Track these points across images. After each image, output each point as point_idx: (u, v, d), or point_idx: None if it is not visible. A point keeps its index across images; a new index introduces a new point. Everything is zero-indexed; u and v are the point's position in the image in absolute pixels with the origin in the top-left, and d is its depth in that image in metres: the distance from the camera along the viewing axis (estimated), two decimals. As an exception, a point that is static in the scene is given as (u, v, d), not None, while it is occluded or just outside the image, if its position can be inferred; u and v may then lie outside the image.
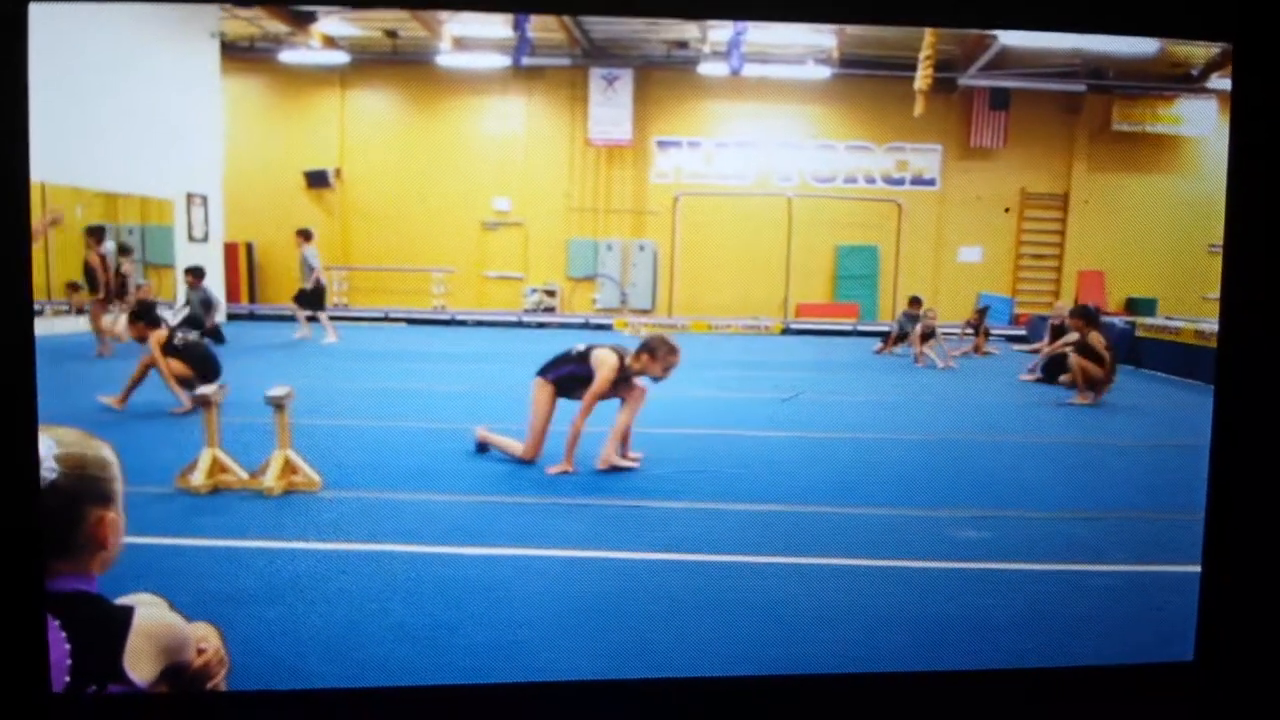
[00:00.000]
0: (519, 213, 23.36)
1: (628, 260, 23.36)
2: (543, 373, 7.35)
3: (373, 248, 23.18)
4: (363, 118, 23.32)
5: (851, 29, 20.23)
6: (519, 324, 21.53)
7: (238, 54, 21.86)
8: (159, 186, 17.96)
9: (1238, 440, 2.29)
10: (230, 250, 21.44)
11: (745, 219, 23.03)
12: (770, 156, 23.16)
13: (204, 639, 2.10)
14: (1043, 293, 23.34)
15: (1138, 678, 2.58)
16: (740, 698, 2.47)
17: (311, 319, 15.99)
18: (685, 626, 4.20)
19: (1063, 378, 11.76)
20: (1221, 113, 21.40)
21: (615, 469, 7.06)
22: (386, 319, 21.27)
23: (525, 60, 21.25)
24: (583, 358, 7.21)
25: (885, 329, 18.26)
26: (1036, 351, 15.27)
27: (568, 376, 7.25)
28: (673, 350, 7.17)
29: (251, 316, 20.92)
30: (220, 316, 17.34)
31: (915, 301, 16.30)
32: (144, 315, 9.26)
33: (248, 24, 21.32)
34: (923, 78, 19.24)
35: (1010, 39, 19.18)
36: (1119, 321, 16.35)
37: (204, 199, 19.46)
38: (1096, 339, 11.35)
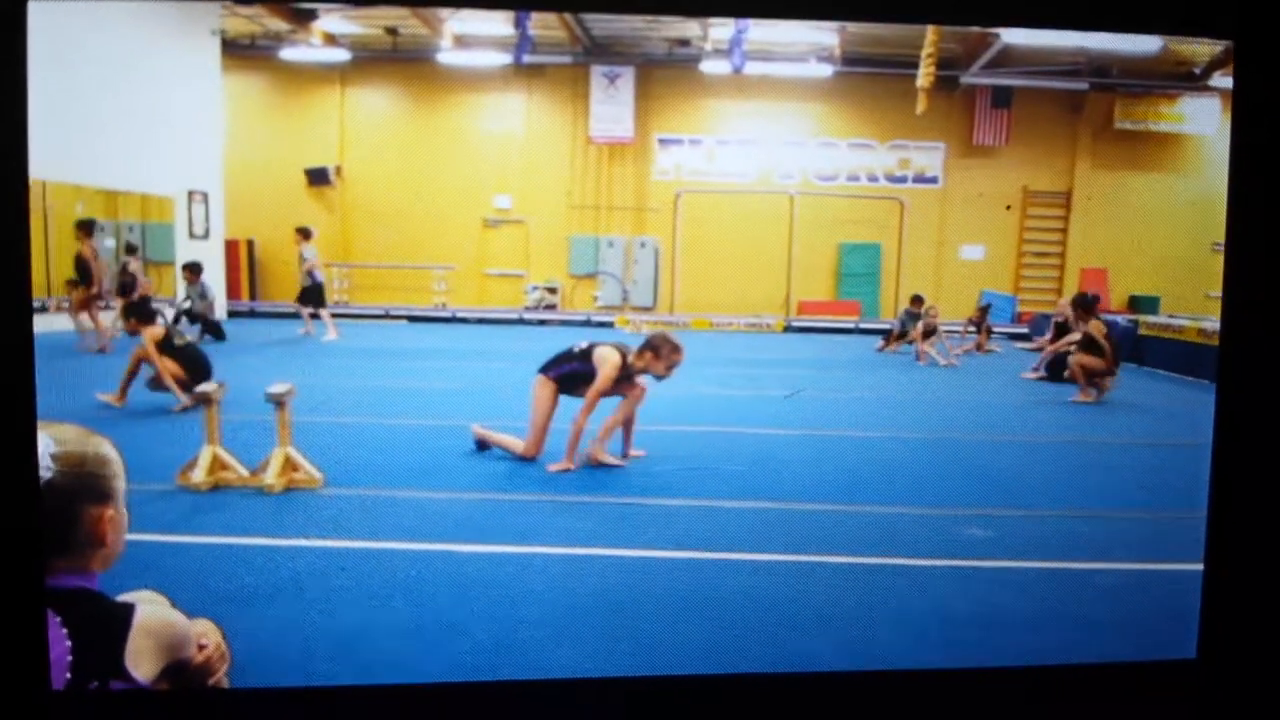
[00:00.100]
0: (520, 210, 23.35)
1: (629, 258, 23.36)
2: (544, 370, 7.34)
3: (374, 245, 23.17)
4: (364, 115, 23.31)
5: (853, 27, 20.23)
6: (520, 321, 21.54)
7: (238, 51, 21.85)
8: (160, 184, 17.96)
9: (1240, 438, 2.29)
10: (231, 247, 21.43)
11: (747, 217, 23.01)
12: (772, 154, 23.15)
13: (204, 636, 2.10)
14: (1045, 291, 23.33)
15: (1140, 675, 2.58)
16: (744, 695, 2.47)
17: (314, 316, 16.01)
18: (688, 624, 4.20)
19: (1067, 373, 11.76)
20: (1224, 111, 21.35)
21: (601, 465, 7.07)
22: (387, 316, 21.29)
23: (526, 58, 21.23)
24: (585, 356, 7.20)
25: (887, 327, 18.26)
26: (1039, 349, 15.27)
27: (569, 374, 7.25)
28: (676, 349, 7.17)
29: (252, 314, 20.93)
30: (220, 314, 17.37)
31: (917, 300, 16.29)
32: (137, 311, 9.25)
33: (248, 21, 21.31)
34: (925, 75, 19.22)
35: (1012, 37, 19.15)
36: (1122, 319, 16.33)
37: (205, 196, 19.45)
38: (1096, 327, 11.33)
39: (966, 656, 3.95)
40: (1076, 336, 11.72)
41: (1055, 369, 12.70)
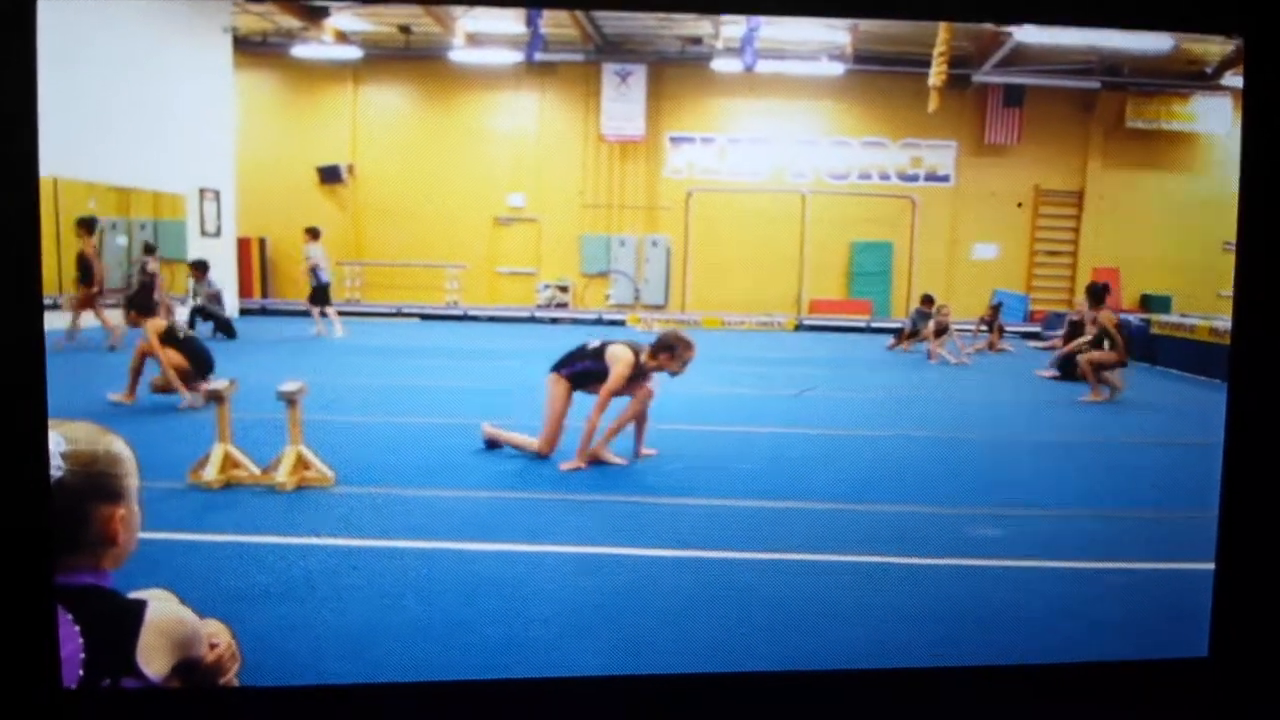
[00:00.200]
0: (532, 208, 23.37)
1: (641, 256, 23.37)
2: (557, 369, 7.35)
3: (386, 243, 23.22)
4: (376, 113, 23.36)
5: (866, 24, 20.21)
6: (532, 319, 21.57)
7: (250, 49, 21.92)
8: (171, 181, 18.00)
9: (1251, 437, 2.28)
10: (243, 245, 21.50)
11: (759, 215, 23.00)
12: (784, 153, 23.14)
13: (215, 636, 2.10)
14: (1057, 290, 23.30)
15: (1152, 674, 2.56)
16: (753, 693, 2.46)
17: (321, 314, 16.08)
18: (698, 623, 4.19)
19: (1079, 371, 11.73)
20: (1236, 110, 21.31)
21: (604, 463, 7.08)
22: (399, 314, 21.34)
23: (538, 56, 21.25)
24: (597, 354, 7.21)
25: (898, 326, 18.25)
26: (1052, 348, 15.26)
27: (582, 372, 7.26)
28: (689, 345, 7.18)
29: (264, 311, 21.00)
30: (232, 312, 17.40)
31: (927, 300, 16.28)
32: (137, 303, 9.26)
33: (260, 19, 21.37)
34: (937, 74, 19.19)
35: (1025, 35, 19.11)
36: (1134, 319, 16.29)
37: (216, 194, 19.49)
38: (1107, 317, 11.31)
39: (977, 655, 3.94)
40: (1087, 338, 11.71)
41: (1068, 368, 12.68)
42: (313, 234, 16.26)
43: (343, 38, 21.86)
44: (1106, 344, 11.24)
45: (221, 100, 19.52)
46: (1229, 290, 2.30)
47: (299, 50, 21.90)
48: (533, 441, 7.28)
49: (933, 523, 5.91)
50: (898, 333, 17.34)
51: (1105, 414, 10.56)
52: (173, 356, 8.79)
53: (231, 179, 20.11)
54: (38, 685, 1.83)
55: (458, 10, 20.59)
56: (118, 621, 1.87)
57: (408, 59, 22.77)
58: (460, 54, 21.79)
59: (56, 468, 1.83)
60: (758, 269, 22.86)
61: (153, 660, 1.88)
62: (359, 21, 21.61)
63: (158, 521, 5.24)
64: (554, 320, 21.40)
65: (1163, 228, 22.27)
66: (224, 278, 17.11)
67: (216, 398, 6.42)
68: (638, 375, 7.19)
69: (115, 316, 12.63)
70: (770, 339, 19.40)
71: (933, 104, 19.84)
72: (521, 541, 5.25)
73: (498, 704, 2.46)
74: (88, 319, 12.98)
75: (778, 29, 20.45)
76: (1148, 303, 22.14)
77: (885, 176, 23.20)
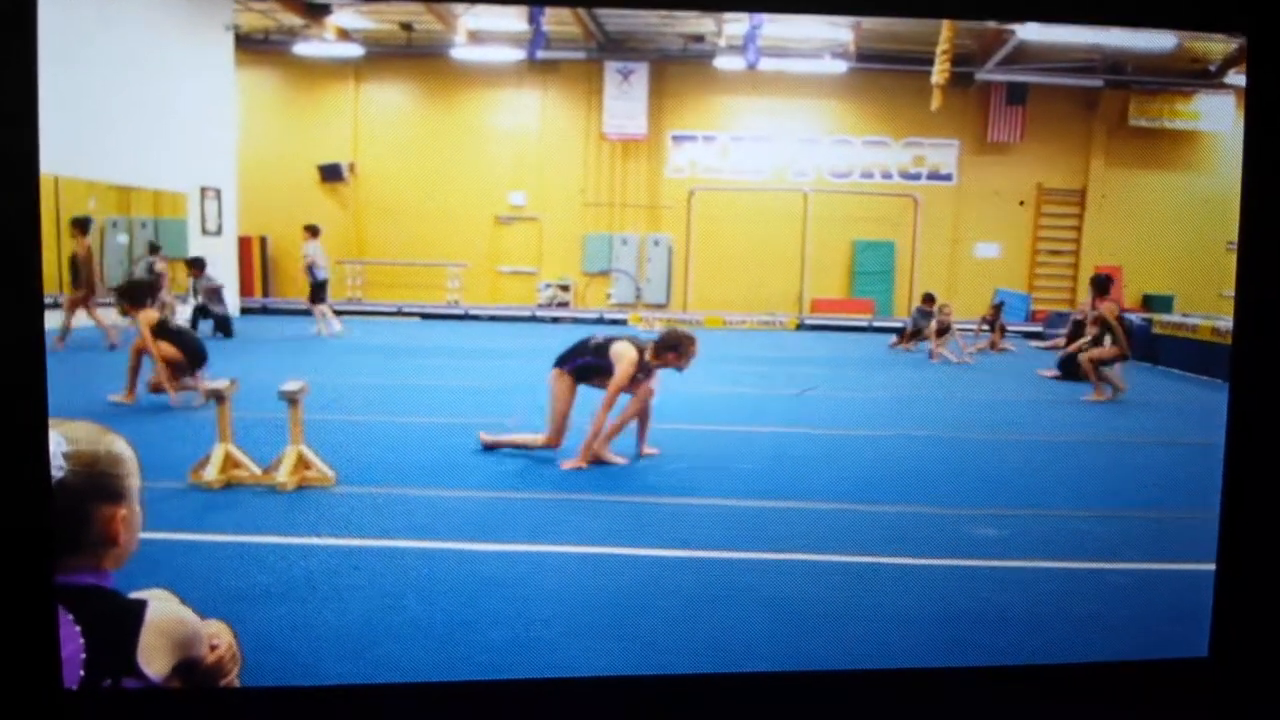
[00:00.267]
0: (534, 207, 23.36)
1: (643, 255, 23.36)
2: (560, 364, 7.34)
3: (387, 242, 23.22)
4: (377, 111, 23.35)
5: (868, 22, 20.21)
6: (533, 319, 21.56)
7: (252, 46, 21.92)
8: (172, 180, 17.99)
9: (1253, 437, 2.28)
10: (244, 244, 21.50)
11: (761, 214, 22.99)
12: (786, 151, 23.13)
13: (216, 636, 2.09)
14: (1059, 289, 23.29)
15: (1152, 674, 2.56)
16: (755, 694, 2.46)
17: (319, 312, 16.08)
18: (700, 623, 4.19)
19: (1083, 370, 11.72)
20: (1239, 108, 21.29)
21: (604, 463, 7.07)
22: (400, 313, 21.33)
23: (540, 54, 21.23)
24: (601, 350, 7.20)
25: (900, 325, 18.25)
26: (1054, 348, 15.25)
27: (584, 367, 7.26)
28: (693, 341, 7.23)
29: (264, 310, 21.00)
30: (233, 310, 17.37)
31: (929, 298, 16.27)
32: (130, 294, 9.25)
33: (262, 16, 21.36)
34: (940, 72, 19.17)
35: (1027, 33, 19.11)
36: (1136, 318, 16.28)
37: (217, 192, 19.48)
38: (1110, 309, 11.28)
39: (977, 655, 3.94)
40: (1087, 339, 11.69)
41: (1070, 368, 12.67)
42: (312, 231, 16.26)
43: (344, 35, 21.85)
44: (1108, 339, 11.21)
45: (223, 98, 19.52)
46: (1231, 290, 2.30)
47: (300, 48, 21.90)
48: (537, 438, 7.28)
49: (934, 523, 5.90)
50: (900, 332, 17.33)
51: (1107, 414, 10.55)
52: (166, 349, 8.78)
53: (233, 177, 20.10)
54: (39, 686, 1.83)
55: (459, 8, 20.60)
56: (118, 622, 1.86)
57: (409, 57, 22.77)
58: (462, 52, 21.79)
59: (58, 468, 1.83)
60: (759, 268, 22.84)
61: (153, 660, 1.87)
62: (361, 19, 21.61)
63: (159, 521, 5.24)
64: (555, 319, 21.39)
65: (1165, 227, 22.25)
66: (225, 277, 17.08)
67: (218, 397, 6.41)
68: (642, 372, 7.19)
69: (111, 316, 12.61)
70: (772, 338, 19.40)
71: (935, 102, 19.81)
72: (523, 541, 5.25)
73: (499, 704, 2.46)
74: (82, 320, 12.88)
75: (780, 27, 20.45)
76: (1150, 302, 22.12)
77: (887, 175, 23.19)
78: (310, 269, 16.12)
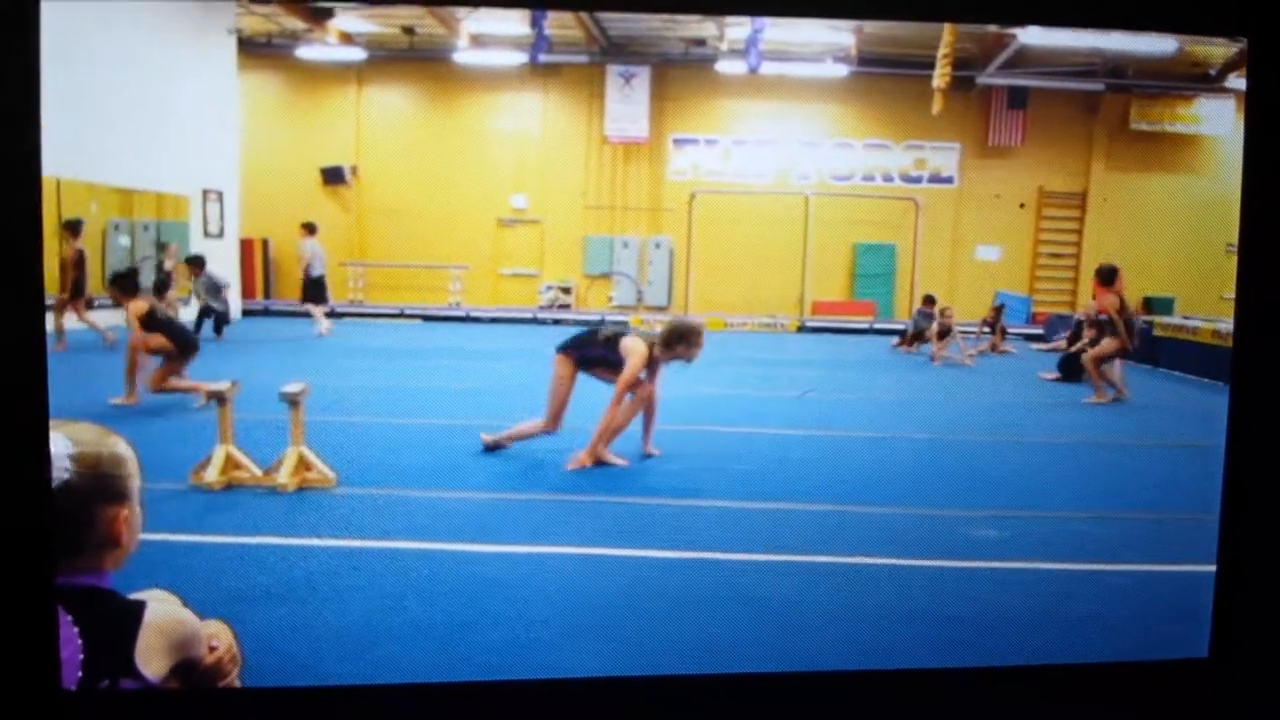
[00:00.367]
0: (535, 210, 23.37)
1: (644, 258, 23.36)
2: (564, 349, 7.33)
3: (389, 244, 23.23)
4: (379, 114, 23.36)
5: (870, 26, 20.20)
6: (534, 321, 21.56)
7: (254, 50, 21.90)
8: (175, 182, 17.99)
9: (1253, 439, 2.28)
10: (246, 246, 21.52)
11: (762, 217, 22.98)
12: (788, 155, 23.13)
13: (215, 637, 2.09)
14: (1060, 292, 23.29)
15: (1152, 674, 2.56)
16: (755, 694, 2.46)
17: (307, 312, 16.04)
18: (700, 624, 4.19)
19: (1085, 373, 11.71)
20: (1239, 112, 21.26)
21: (604, 463, 7.08)
22: (402, 315, 21.34)
23: (542, 57, 21.24)
24: (610, 343, 7.18)
25: (901, 327, 18.25)
26: (1055, 350, 15.25)
27: (589, 357, 7.25)
28: (699, 331, 7.24)
29: (266, 312, 21.01)
30: (234, 312, 17.36)
31: (929, 300, 16.29)
32: (120, 283, 9.25)
33: (265, 20, 21.37)
34: (941, 76, 19.18)
35: (1029, 37, 19.11)
36: (1137, 320, 16.27)
37: (220, 195, 19.51)
38: (1110, 302, 11.24)
39: (979, 656, 3.94)
40: (1086, 341, 11.67)
41: (1071, 370, 12.66)
42: (309, 229, 16.23)
43: (347, 39, 21.87)
44: (1107, 339, 11.20)
45: (225, 101, 19.54)
46: (1232, 293, 2.30)
47: (303, 51, 21.91)
48: (536, 424, 7.28)
49: (934, 525, 5.90)
50: (902, 334, 17.34)
51: (1108, 416, 10.55)
52: (156, 339, 8.79)
53: (235, 180, 20.13)
54: (37, 687, 1.83)
55: (462, 11, 20.59)
56: (117, 622, 1.86)
57: (412, 60, 22.77)
58: (464, 55, 21.80)
59: (65, 470, 1.83)
60: (761, 270, 22.84)
61: (151, 660, 1.88)
62: (363, 23, 21.62)
63: (159, 522, 5.24)
64: (556, 321, 21.37)
65: (1166, 230, 22.24)
66: (227, 278, 17.07)
67: (219, 399, 6.42)
68: (650, 367, 7.19)
69: (102, 318, 12.59)
70: (773, 340, 19.38)
71: (937, 106, 19.81)
72: (523, 543, 5.25)
73: (498, 705, 2.46)
74: (73, 323, 12.81)
75: (782, 31, 20.45)
76: (1150, 305, 22.10)
77: (889, 178, 23.19)
78: (306, 267, 16.10)
